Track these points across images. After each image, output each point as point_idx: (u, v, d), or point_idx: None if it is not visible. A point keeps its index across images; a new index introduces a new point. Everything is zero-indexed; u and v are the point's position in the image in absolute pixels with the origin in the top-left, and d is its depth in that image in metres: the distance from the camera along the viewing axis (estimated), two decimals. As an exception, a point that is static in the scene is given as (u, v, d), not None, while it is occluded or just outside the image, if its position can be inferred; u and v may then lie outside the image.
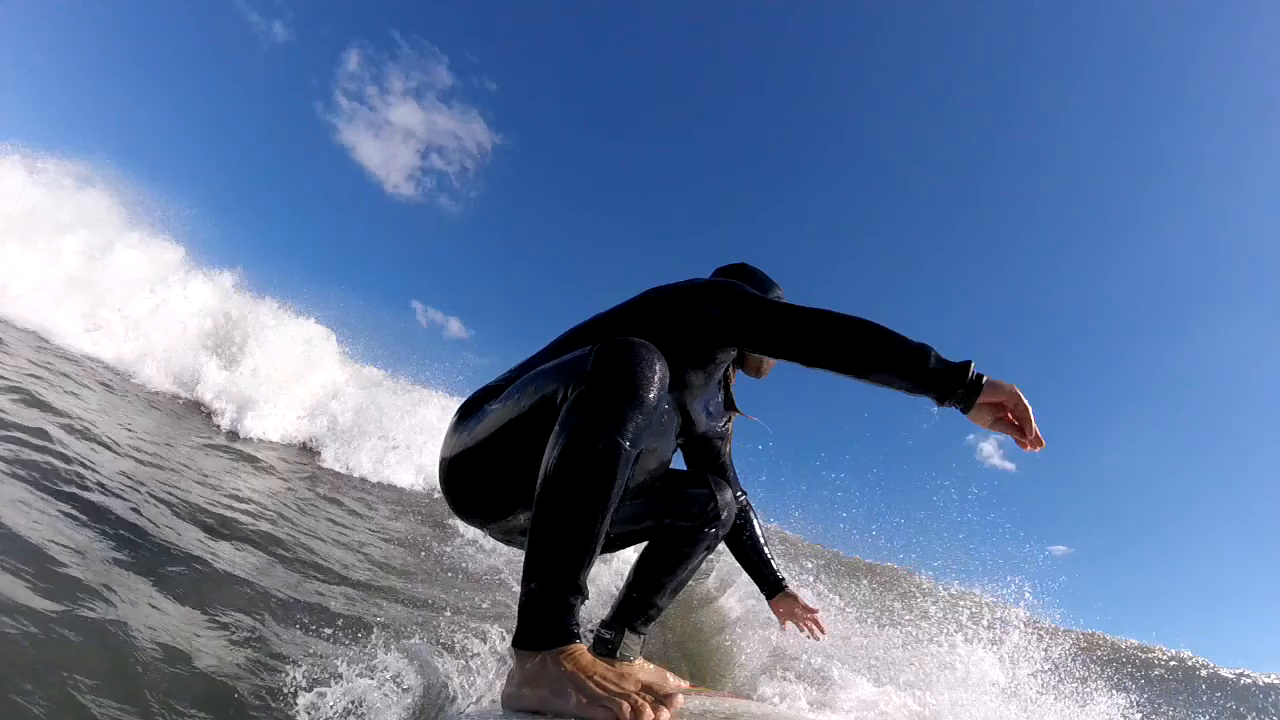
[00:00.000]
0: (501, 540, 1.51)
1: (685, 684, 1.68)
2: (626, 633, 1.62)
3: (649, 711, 0.90)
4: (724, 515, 1.64)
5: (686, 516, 1.60)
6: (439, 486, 1.40)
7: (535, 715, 0.98)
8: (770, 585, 1.98)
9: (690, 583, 1.79)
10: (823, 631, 1.95)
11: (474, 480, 1.32)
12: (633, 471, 1.13)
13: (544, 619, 1.00)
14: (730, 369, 1.77)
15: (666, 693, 0.97)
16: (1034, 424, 1.24)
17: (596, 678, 0.96)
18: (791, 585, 2.03)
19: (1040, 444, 1.26)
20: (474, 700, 2.08)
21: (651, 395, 1.08)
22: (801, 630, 1.97)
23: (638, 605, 1.64)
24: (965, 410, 1.25)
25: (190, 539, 2.71)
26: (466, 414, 1.37)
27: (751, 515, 1.96)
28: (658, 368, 1.10)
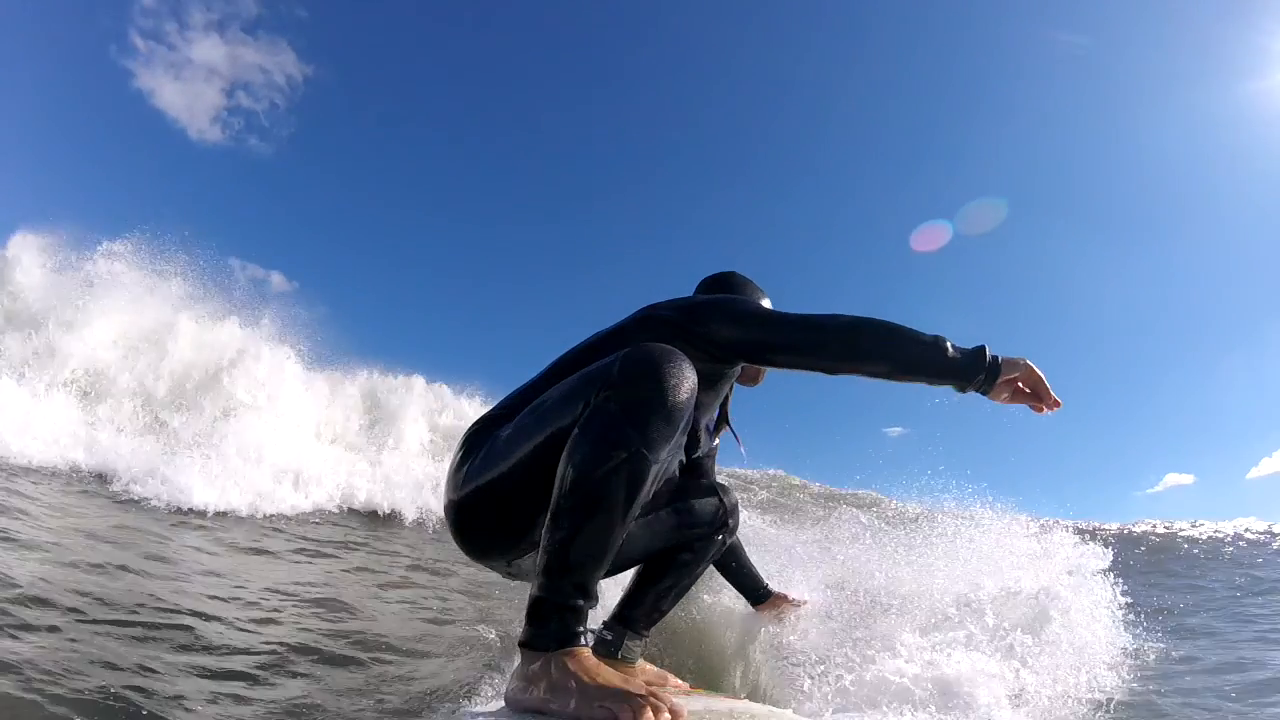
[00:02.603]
0: (516, 578, 1.41)
1: (685, 686, 1.69)
2: (628, 634, 1.63)
3: (649, 713, 0.91)
4: (732, 522, 1.67)
5: (698, 529, 1.62)
6: (450, 530, 1.31)
7: (537, 715, 0.99)
8: (758, 596, 2.09)
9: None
10: (796, 614, 2.10)
11: (489, 521, 1.24)
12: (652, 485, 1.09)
13: (551, 621, 1.01)
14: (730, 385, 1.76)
15: (667, 694, 0.98)
16: (1049, 389, 1.27)
17: (598, 679, 0.97)
18: (777, 590, 2.15)
19: (1058, 404, 1.29)
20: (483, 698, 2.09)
21: (681, 406, 1.05)
22: (778, 618, 2.10)
23: (641, 607, 1.64)
24: (985, 394, 1.27)
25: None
26: (471, 449, 1.27)
27: (737, 539, 2.01)
28: (688, 377, 1.07)
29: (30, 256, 6.85)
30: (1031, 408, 1.31)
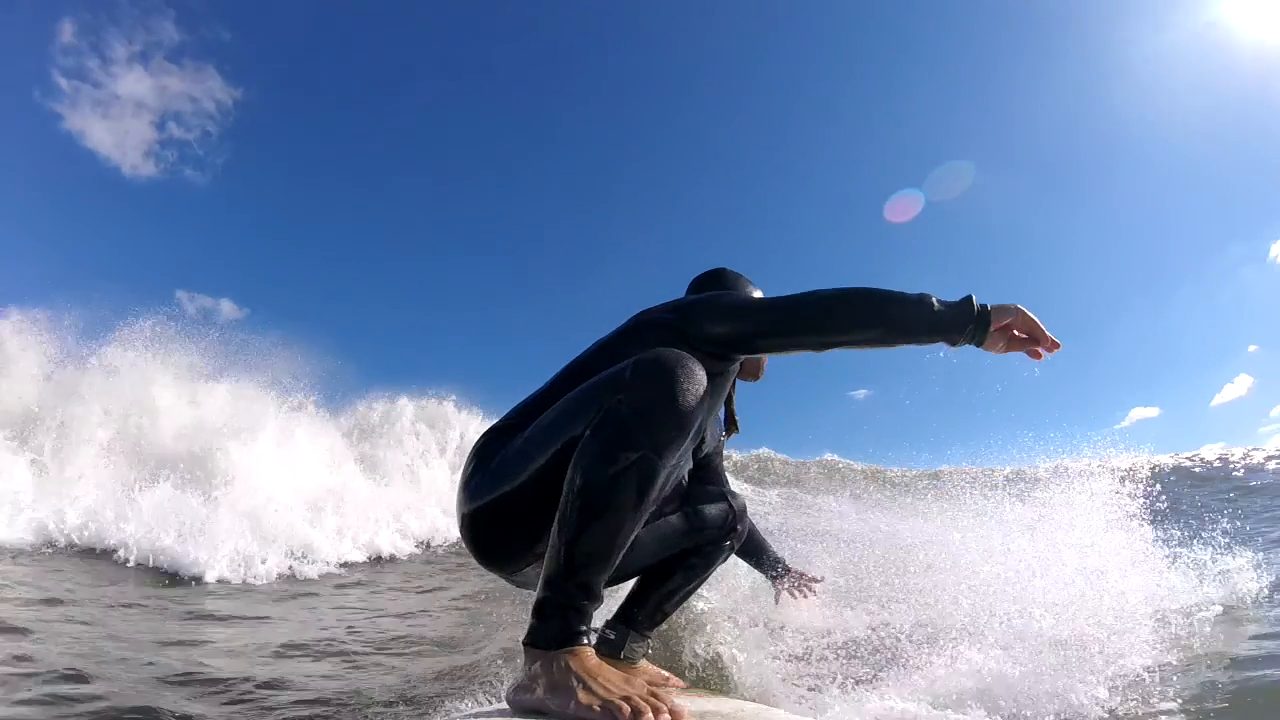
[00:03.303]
0: (525, 586, 1.39)
1: (685, 686, 1.69)
2: (631, 634, 1.63)
3: (649, 713, 0.91)
4: (740, 528, 1.68)
5: (709, 535, 1.62)
6: (464, 539, 1.30)
7: (536, 714, 0.99)
8: (776, 572, 2.13)
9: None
10: (813, 592, 2.16)
11: (504, 531, 1.24)
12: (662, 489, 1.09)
13: (556, 620, 1.02)
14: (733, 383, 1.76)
15: (667, 694, 0.98)
16: (1045, 331, 1.24)
17: (599, 679, 0.97)
18: (794, 566, 2.20)
19: (1057, 346, 1.26)
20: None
21: (691, 410, 1.05)
22: (795, 596, 2.15)
23: (645, 608, 1.64)
24: (979, 344, 1.25)
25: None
26: (482, 460, 1.27)
27: (750, 520, 1.98)
28: (699, 382, 1.07)
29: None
30: (1029, 354, 1.27)
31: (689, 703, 1.13)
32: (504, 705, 1.12)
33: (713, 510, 1.63)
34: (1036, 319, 1.24)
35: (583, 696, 0.95)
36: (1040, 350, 1.26)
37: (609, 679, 0.98)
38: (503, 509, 1.21)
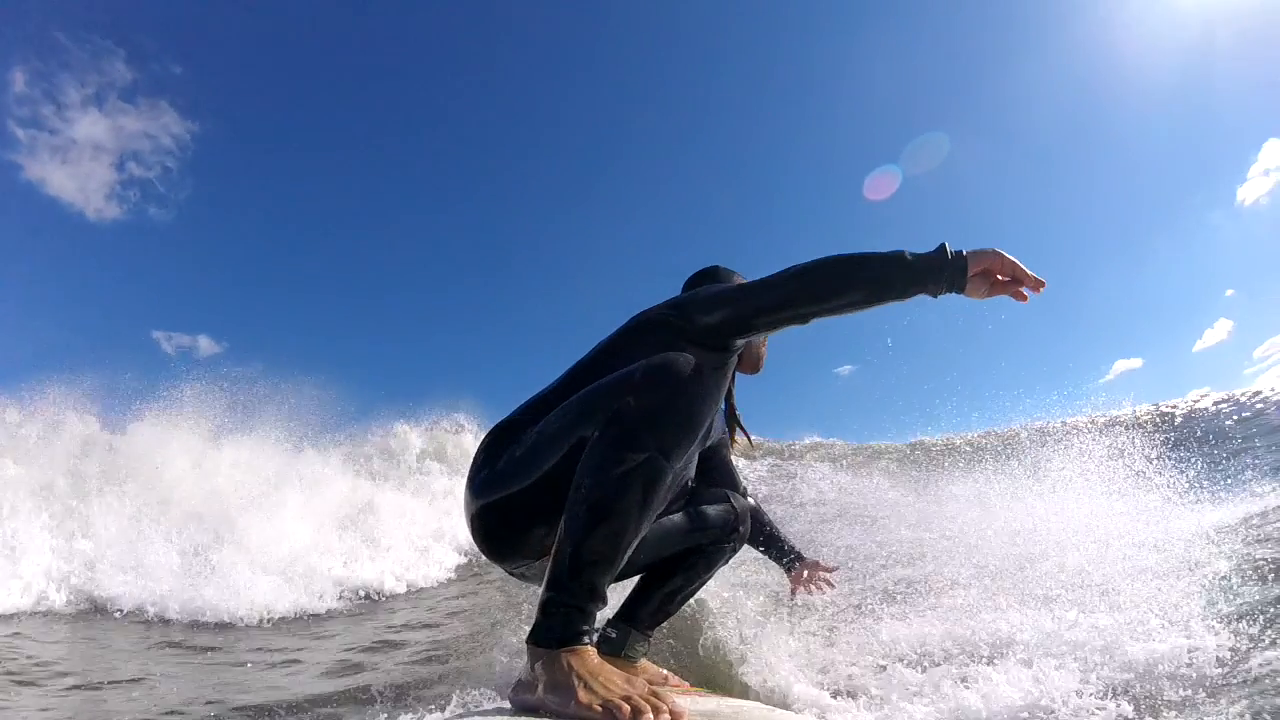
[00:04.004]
0: (528, 580, 1.42)
1: (686, 685, 1.69)
2: (633, 633, 1.63)
3: (649, 713, 0.91)
4: (743, 529, 1.67)
5: (710, 535, 1.62)
6: (471, 534, 1.32)
7: (537, 713, 0.99)
8: (789, 561, 2.09)
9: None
10: (830, 586, 2.09)
11: (511, 527, 1.26)
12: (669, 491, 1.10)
13: (559, 620, 1.02)
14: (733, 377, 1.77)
15: (668, 694, 0.98)
16: (1027, 271, 1.22)
17: (599, 678, 0.97)
18: (808, 555, 2.15)
19: (1041, 284, 1.24)
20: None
21: (699, 414, 1.06)
22: (810, 591, 2.09)
23: (648, 607, 1.64)
24: (960, 290, 1.23)
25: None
26: (491, 456, 1.29)
27: (763, 511, 2.02)
28: (707, 385, 1.08)
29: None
30: (1014, 296, 1.25)
31: (690, 702, 1.13)
32: (505, 704, 1.12)
33: (715, 511, 1.63)
34: (1015, 259, 1.22)
35: (583, 696, 0.95)
36: (1024, 291, 1.24)
37: (610, 678, 0.98)
38: (511, 507, 1.22)
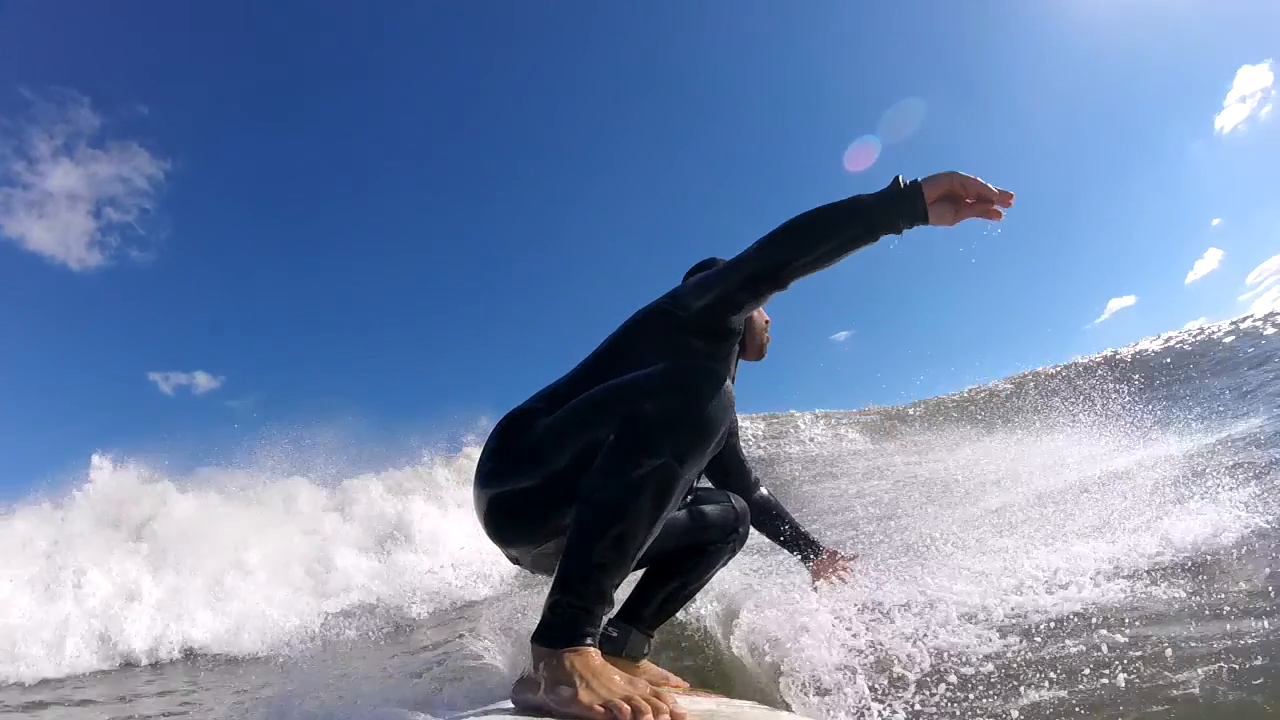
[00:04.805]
0: (539, 568, 1.45)
1: (687, 686, 1.69)
2: (634, 632, 1.64)
3: (649, 714, 0.91)
4: (742, 529, 1.68)
5: (710, 535, 1.62)
6: (478, 517, 1.35)
7: (538, 712, 1.00)
8: (807, 553, 2.06)
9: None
10: (851, 574, 2.06)
11: (520, 519, 1.29)
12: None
13: (565, 620, 1.03)
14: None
15: (669, 694, 0.98)
16: (990, 186, 1.19)
17: (602, 678, 0.98)
18: (827, 546, 2.12)
19: (1009, 196, 1.21)
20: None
21: (715, 422, 1.07)
22: (831, 580, 2.05)
23: (649, 607, 1.65)
24: (925, 220, 1.21)
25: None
26: (505, 444, 1.31)
27: (776, 501, 2.01)
28: (725, 395, 1.08)
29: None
30: (985, 217, 1.22)
31: (691, 703, 1.13)
32: (507, 702, 1.13)
33: (715, 511, 1.63)
34: (976, 177, 1.19)
35: (584, 695, 0.95)
36: (995, 208, 1.22)
37: (611, 678, 0.98)
38: (521, 500, 1.26)
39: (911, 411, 10.27)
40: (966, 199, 1.21)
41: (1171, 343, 10.29)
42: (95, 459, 6.49)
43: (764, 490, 2.01)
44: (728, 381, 1.11)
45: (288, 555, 5.73)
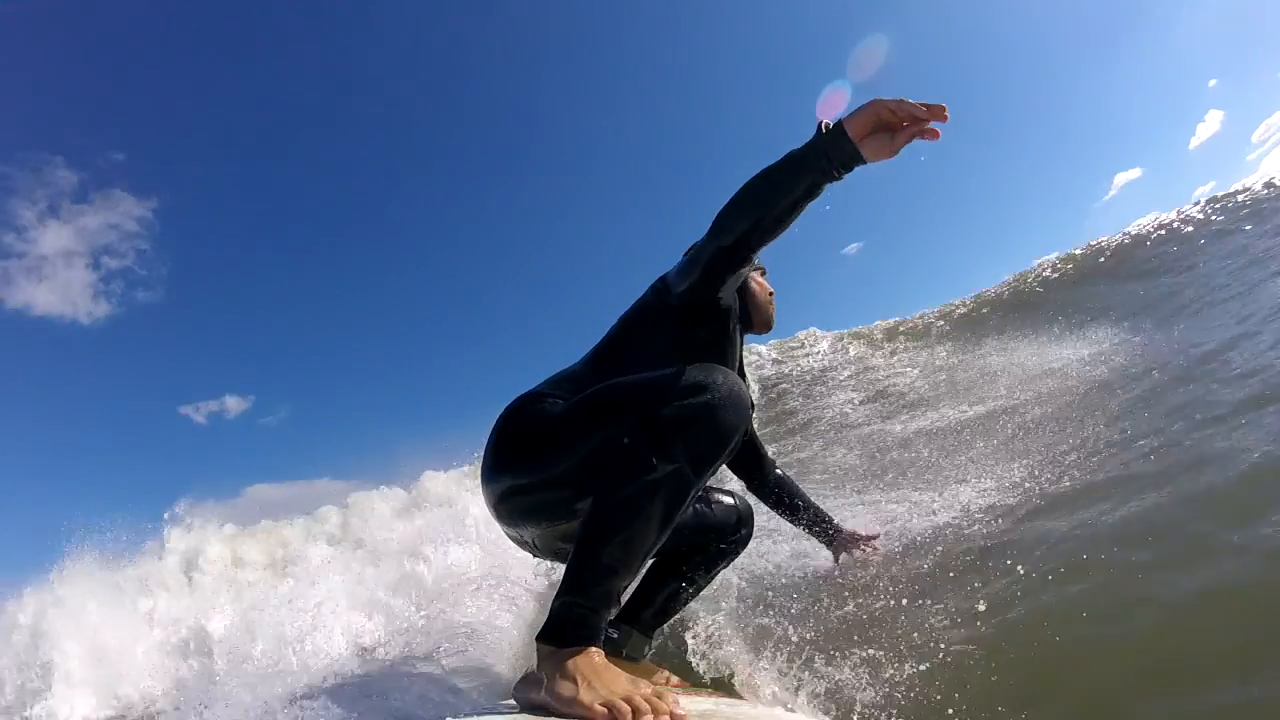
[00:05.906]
0: (545, 554, 1.46)
1: (688, 686, 1.70)
2: (635, 633, 1.64)
3: (650, 714, 0.92)
4: (744, 531, 1.69)
5: (713, 536, 1.63)
6: (485, 499, 1.37)
7: (541, 710, 1.00)
8: (831, 536, 2.08)
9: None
10: (875, 551, 2.08)
11: (529, 502, 1.29)
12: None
13: (572, 621, 1.04)
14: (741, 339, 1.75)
15: (669, 694, 0.99)
16: (918, 105, 1.14)
17: (603, 677, 0.99)
18: (848, 526, 2.14)
19: (942, 109, 1.14)
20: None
21: (731, 430, 1.07)
22: (854, 554, 2.07)
23: (651, 607, 1.66)
24: (860, 157, 1.18)
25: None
26: (516, 429, 1.32)
27: (792, 481, 2.01)
28: (743, 403, 1.08)
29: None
30: (924, 138, 1.17)
31: (692, 703, 1.13)
32: (510, 701, 1.13)
33: (719, 512, 1.63)
34: (903, 99, 1.15)
35: (585, 695, 0.96)
36: (931, 127, 1.16)
37: (613, 678, 0.99)
38: (531, 491, 1.27)
39: (919, 323, 9.32)
40: (900, 124, 1.17)
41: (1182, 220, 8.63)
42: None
43: (779, 471, 2.01)
44: (743, 387, 1.11)
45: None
